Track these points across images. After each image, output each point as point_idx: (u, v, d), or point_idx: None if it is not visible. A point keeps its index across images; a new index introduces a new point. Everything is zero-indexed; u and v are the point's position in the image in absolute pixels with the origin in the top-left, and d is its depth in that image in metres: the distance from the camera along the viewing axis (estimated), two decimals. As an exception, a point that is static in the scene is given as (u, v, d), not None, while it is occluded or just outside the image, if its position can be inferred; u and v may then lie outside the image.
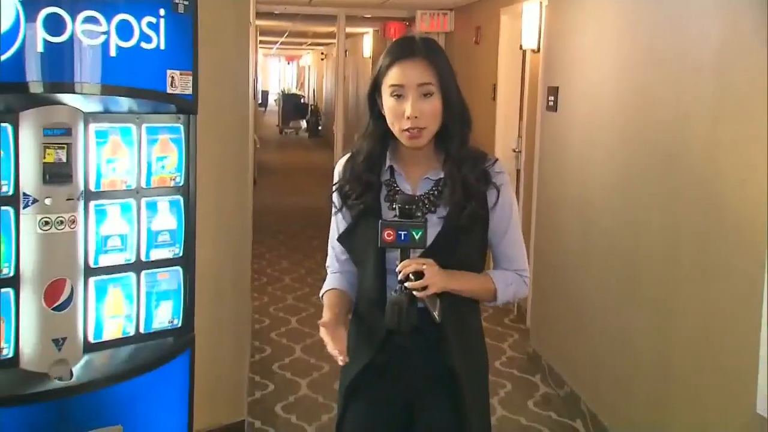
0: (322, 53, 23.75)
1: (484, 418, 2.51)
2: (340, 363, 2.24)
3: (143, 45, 2.72)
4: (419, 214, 2.27)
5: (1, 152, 2.54)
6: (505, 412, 4.79)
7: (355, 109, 15.10)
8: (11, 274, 2.61)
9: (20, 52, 2.50)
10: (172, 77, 2.83)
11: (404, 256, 2.22)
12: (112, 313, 2.86)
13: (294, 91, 28.71)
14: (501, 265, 2.45)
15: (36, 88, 2.58)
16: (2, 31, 2.45)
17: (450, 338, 2.35)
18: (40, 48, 2.52)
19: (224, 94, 3.39)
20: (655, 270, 3.78)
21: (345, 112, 11.18)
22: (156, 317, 2.97)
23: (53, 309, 2.67)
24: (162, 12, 2.76)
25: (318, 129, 23.65)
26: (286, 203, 12.33)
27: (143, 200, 2.88)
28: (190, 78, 2.87)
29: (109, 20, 2.64)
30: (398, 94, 2.27)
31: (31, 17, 2.49)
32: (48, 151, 2.61)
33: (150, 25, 2.73)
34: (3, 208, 2.58)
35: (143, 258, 2.91)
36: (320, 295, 2.53)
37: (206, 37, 2.96)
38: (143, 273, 2.92)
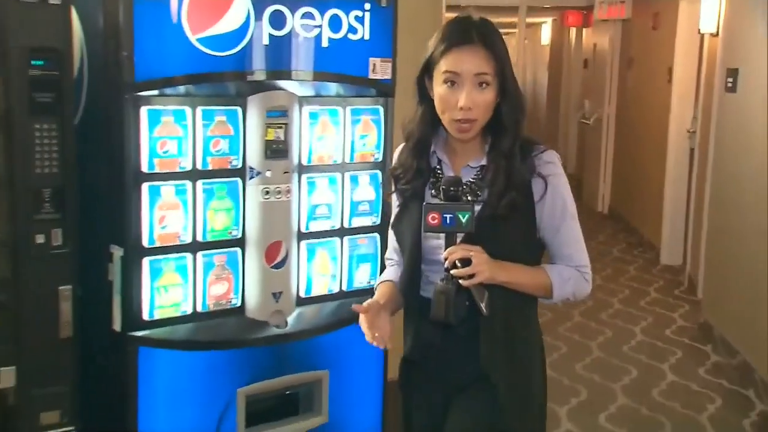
0: (503, 42, 23.63)
1: (530, 425, 2.10)
2: (381, 348, 2.02)
3: (350, 36, 2.83)
4: (466, 196, 1.96)
5: (232, 131, 2.70)
6: (675, 377, 4.63)
7: (532, 94, 14.90)
8: (239, 236, 2.78)
9: (249, 45, 2.66)
10: (374, 64, 2.91)
11: (449, 242, 1.89)
12: (320, 272, 2.99)
13: None
14: (556, 263, 2.07)
15: (260, 76, 2.73)
16: (235, 29, 2.60)
17: (487, 336, 1.98)
18: (265, 41, 2.67)
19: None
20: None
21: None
22: (356, 277, 3.08)
23: (272, 267, 2.82)
24: (367, 6, 2.85)
25: None
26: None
27: (347, 174, 2.99)
28: (390, 65, 2.95)
29: (322, 15, 2.76)
30: (452, 82, 1.93)
31: (258, 16, 2.65)
32: (269, 130, 2.75)
33: (357, 18, 2.83)
34: (233, 179, 2.74)
35: (346, 225, 3.03)
36: (374, 287, 2.26)
37: (404, 27, 3.00)
38: (346, 238, 3.03)
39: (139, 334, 2.65)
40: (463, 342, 2.00)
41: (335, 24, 2.78)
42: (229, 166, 2.73)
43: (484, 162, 2.00)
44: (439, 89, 1.95)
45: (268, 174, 2.75)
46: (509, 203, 1.93)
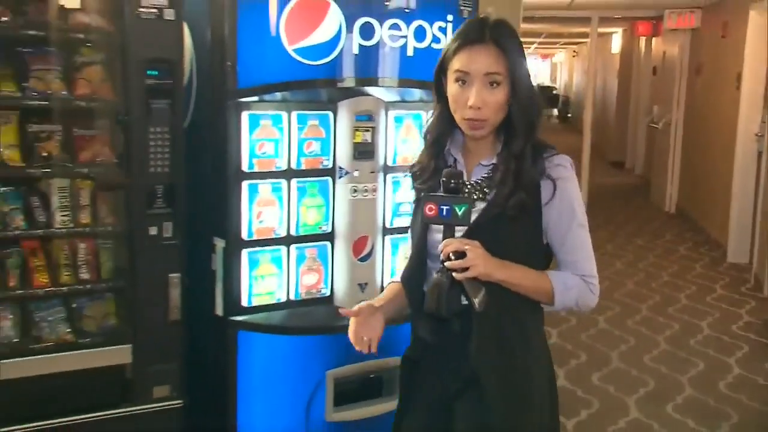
0: (574, 51, 23.37)
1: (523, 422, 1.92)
2: (366, 352, 1.96)
3: (434, 45, 2.89)
4: (466, 190, 1.87)
5: (324, 134, 2.81)
6: (741, 371, 4.55)
7: (602, 99, 14.76)
8: (329, 230, 2.89)
9: (340, 55, 2.75)
10: (455, 72, 2.96)
11: (447, 234, 1.79)
12: (403, 266, 3.05)
13: (547, 83, 28.81)
14: (563, 270, 1.93)
15: (350, 83, 2.82)
16: (327, 40, 2.70)
17: (479, 336, 1.85)
18: (355, 51, 2.76)
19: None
20: None
21: (593, 102, 10.91)
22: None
23: (358, 259, 2.91)
24: (450, 17, 2.91)
25: (567, 116, 23.84)
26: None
27: (429, 174, 3.05)
28: (470, 72, 3.00)
29: (408, 26, 2.84)
30: (462, 80, 1.84)
31: (349, 28, 2.74)
32: (357, 133, 2.83)
33: (440, 28, 2.90)
34: (324, 178, 2.85)
35: (430, 222, 3.09)
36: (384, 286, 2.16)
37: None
38: (429, 234, 3.10)
39: (239, 318, 2.77)
40: (459, 340, 1.87)
41: (420, 34, 2.86)
42: (320, 166, 2.83)
43: (495, 161, 1.91)
44: (451, 88, 1.87)
45: (356, 174, 2.84)
46: (517, 203, 1.83)
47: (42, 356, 2.66)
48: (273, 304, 2.85)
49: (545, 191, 1.86)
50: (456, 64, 1.84)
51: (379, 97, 2.88)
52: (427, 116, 1.99)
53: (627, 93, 12.85)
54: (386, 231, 2.99)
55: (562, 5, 9.25)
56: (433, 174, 1.94)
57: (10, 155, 2.65)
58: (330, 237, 2.89)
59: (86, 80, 2.72)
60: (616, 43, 14.09)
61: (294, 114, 2.75)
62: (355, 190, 2.85)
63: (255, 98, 2.69)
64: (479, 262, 1.75)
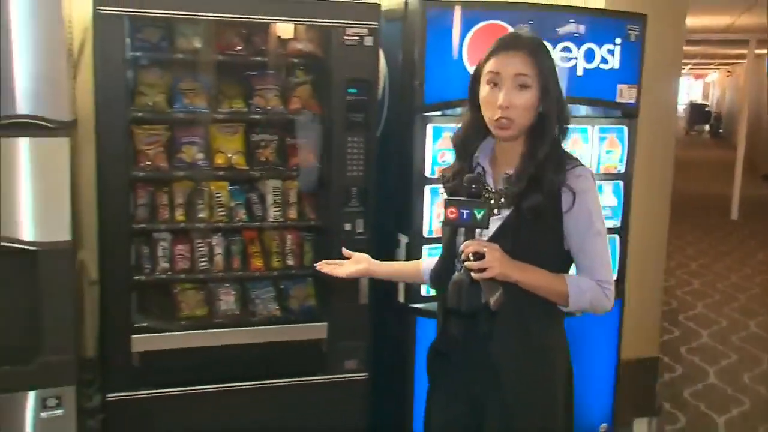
0: (728, 71, 22.22)
1: (543, 426, 1.90)
2: (318, 268, 2.14)
3: (601, 66, 2.93)
4: (486, 195, 1.84)
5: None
6: None
7: (756, 115, 13.92)
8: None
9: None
10: (621, 90, 2.99)
11: (468, 236, 1.77)
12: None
13: (699, 101, 27.79)
14: (580, 274, 1.89)
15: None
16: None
17: (500, 334, 1.83)
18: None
19: (658, 102, 3.45)
20: None
21: (748, 119, 10.32)
22: (597, 271, 3.16)
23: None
24: (618, 41, 2.94)
25: (719, 131, 22.82)
26: (690, 191, 11.58)
27: (593, 183, 3.09)
28: (635, 90, 3.02)
29: (579, 48, 2.89)
30: (494, 83, 1.81)
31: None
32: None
33: (608, 51, 2.93)
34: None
35: (590, 226, 3.11)
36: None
37: (649, 57, 3.05)
38: (589, 238, 3.12)
39: (417, 306, 2.89)
40: (482, 338, 1.85)
41: (589, 56, 2.91)
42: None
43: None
44: (483, 90, 1.84)
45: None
46: (531, 207, 1.79)
47: (256, 328, 2.93)
48: (447, 294, 2.96)
49: (566, 200, 1.82)
50: (488, 67, 1.83)
51: (548, 113, 2.95)
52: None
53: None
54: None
55: (720, 28, 8.86)
56: (456, 176, 1.92)
57: (237, 160, 2.93)
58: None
59: (298, 97, 2.96)
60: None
61: (472, 127, 2.86)
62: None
63: (438, 113, 2.81)
64: (496, 264, 1.74)
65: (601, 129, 3.05)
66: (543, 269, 1.83)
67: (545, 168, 1.81)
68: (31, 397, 2.45)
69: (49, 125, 2.39)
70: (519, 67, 1.79)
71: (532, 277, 1.81)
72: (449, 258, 1.89)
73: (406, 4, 2.82)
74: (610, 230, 3.11)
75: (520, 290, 1.80)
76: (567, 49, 2.86)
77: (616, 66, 2.95)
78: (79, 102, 2.76)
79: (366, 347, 3.01)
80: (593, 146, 3.05)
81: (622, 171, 3.11)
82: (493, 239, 1.80)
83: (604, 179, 3.09)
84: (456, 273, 1.81)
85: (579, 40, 2.88)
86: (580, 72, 2.90)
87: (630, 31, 2.94)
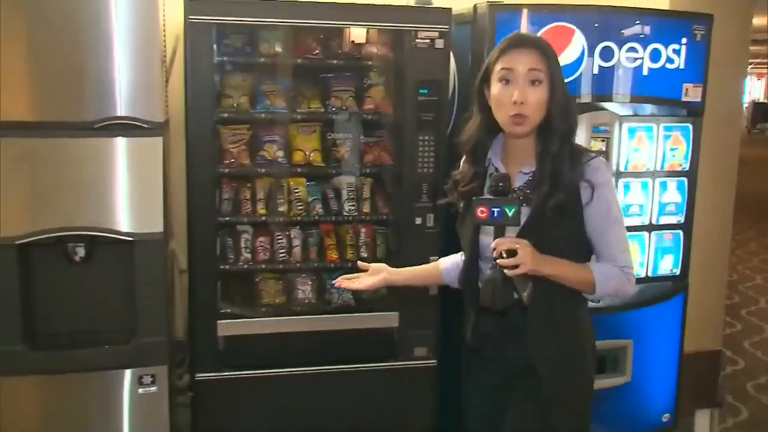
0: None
1: (576, 418, 1.91)
2: (337, 285, 2.06)
3: (667, 65, 2.88)
4: (514, 191, 1.81)
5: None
6: None
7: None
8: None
9: (580, 75, 2.81)
10: (686, 89, 2.93)
11: (498, 234, 1.74)
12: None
13: (762, 100, 26.98)
14: (601, 262, 1.88)
15: (586, 99, 2.87)
16: (571, 62, 2.78)
17: (534, 327, 1.83)
18: (595, 71, 2.81)
19: (722, 101, 3.36)
20: None
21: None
22: (660, 266, 3.12)
23: (590, 252, 2.96)
24: (684, 40, 2.88)
25: None
26: (752, 189, 11.11)
27: (657, 180, 3.04)
28: (700, 89, 2.95)
29: (644, 48, 2.85)
30: (507, 80, 1.78)
31: (590, 52, 2.80)
32: (593, 143, 2.89)
33: (674, 50, 2.88)
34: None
35: (654, 222, 3.07)
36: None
37: (714, 56, 2.99)
38: (653, 233, 3.08)
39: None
40: (515, 333, 1.86)
41: (655, 56, 2.86)
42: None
43: (535, 168, 1.85)
44: (495, 88, 1.81)
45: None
46: (555, 205, 1.77)
47: (331, 315, 2.99)
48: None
49: (585, 193, 1.80)
50: (500, 64, 1.80)
51: (614, 111, 2.92)
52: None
53: None
54: (615, 229, 3.01)
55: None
56: (473, 179, 1.90)
57: (314, 157, 2.99)
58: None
59: (372, 98, 3.00)
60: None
61: (538, 126, 2.86)
62: (589, 193, 2.91)
63: (506, 112, 2.83)
64: (528, 259, 1.71)
65: (666, 127, 3.00)
66: (569, 261, 1.82)
67: (562, 165, 1.79)
68: (128, 374, 2.57)
69: (145, 126, 2.50)
70: (531, 62, 1.78)
71: (561, 269, 1.80)
72: (474, 257, 1.89)
73: (475, 8, 2.83)
74: (674, 226, 3.09)
75: (549, 283, 1.79)
76: (633, 50, 2.83)
77: (682, 66, 2.89)
78: (169, 104, 2.87)
79: (435, 336, 3.04)
80: (658, 144, 3.00)
81: (687, 168, 3.05)
82: (518, 236, 1.77)
83: (669, 176, 3.05)
84: (488, 271, 1.79)
85: (645, 41, 2.84)
86: (645, 72, 2.86)
87: (696, 31, 2.88)
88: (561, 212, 1.79)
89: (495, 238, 1.74)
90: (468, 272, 1.91)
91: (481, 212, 1.72)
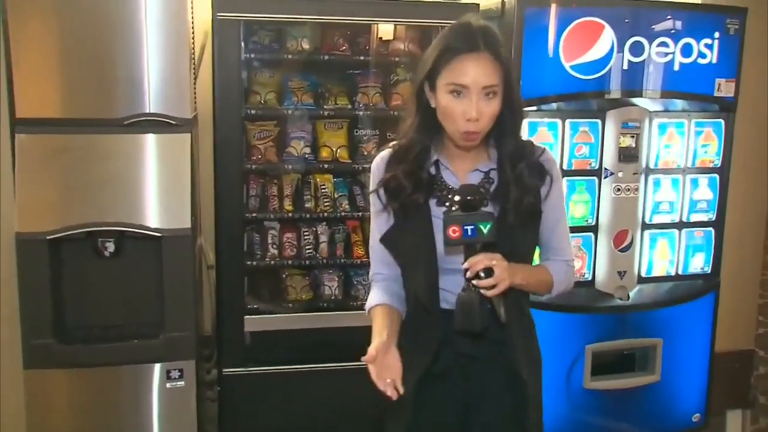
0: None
1: (540, 417, 1.83)
2: (393, 397, 1.56)
3: (699, 60, 2.84)
4: (484, 205, 1.63)
5: (593, 139, 2.86)
6: None
7: None
8: (593, 223, 2.94)
9: (610, 70, 2.79)
10: (719, 84, 2.89)
11: (470, 252, 1.57)
12: (660, 258, 3.03)
13: None
14: (548, 256, 1.79)
15: (616, 94, 2.85)
16: (600, 57, 2.76)
17: (514, 339, 1.71)
18: (624, 66, 2.78)
19: (756, 96, 3.30)
20: None
21: None
22: (691, 264, 3.08)
23: (619, 250, 2.93)
24: (716, 35, 2.84)
25: None
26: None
27: (688, 176, 3.00)
28: (734, 84, 2.91)
29: (676, 43, 2.81)
30: (458, 92, 1.59)
31: (620, 47, 2.77)
32: (623, 138, 2.86)
33: (706, 45, 2.83)
34: (591, 177, 2.90)
35: (684, 219, 3.03)
36: (366, 310, 1.80)
37: (748, 51, 2.93)
38: (684, 230, 3.04)
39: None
40: (495, 346, 1.71)
41: (687, 51, 2.82)
42: (588, 167, 2.88)
43: (493, 165, 1.71)
44: (443, 99, 1.61)
45: (620, 174, 2.86)
46: (526, 210, 1.67)
47: (357, 312, 2.97)
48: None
49: (543, 189, 1.71)
50: (449, 75, 1.59)
51: (644, 107, 2.88)
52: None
53: None
54: (645, 226, 2.98)
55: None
56: (417, 186, 1.68)
57: (341, 153, 3.00)
58: (594, 229, 2.93)
59: (399, 94, 3.00)
60: None
61: (567, 122, 2.82)
62: (618, 189, 2.88)
63: (534, 108, 2.78)
64: (506, 275, 1.58)
65: (698, 123, 2.96)
66: (528, 265, 1.74)
67: (519, 166, 1.68)
68: (157, 368, 2.59)
69: (173, 122, 2.52)
70: (487, 77, 1.58)
71: (529, 276, 1.69)
72: (435, 279, 1.69)
73: (503, 3, 2.80)
74: (706, 224, 3.04)
75: (518, 291, 1.68)
76: (664, 44, 2.79)
77: (714, 60, 2.85)
78: (197, 100, 2.88)
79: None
80: (689, 140, 2.96)
81: (718, 165, 3.01)
82: (487, 248, 1.60)
83: (700, 173, 3.00)
84: (461, 293, 1.60)
85: (676, 35, 2.80)
86: (677, 67, 2.82)
87: (729, 25, 2.83)
88: (531, 215, 1.70)
89: (466, 256, 1.58)
90: (433, 292, 1.70)
91: (453, 231, 1.56)
